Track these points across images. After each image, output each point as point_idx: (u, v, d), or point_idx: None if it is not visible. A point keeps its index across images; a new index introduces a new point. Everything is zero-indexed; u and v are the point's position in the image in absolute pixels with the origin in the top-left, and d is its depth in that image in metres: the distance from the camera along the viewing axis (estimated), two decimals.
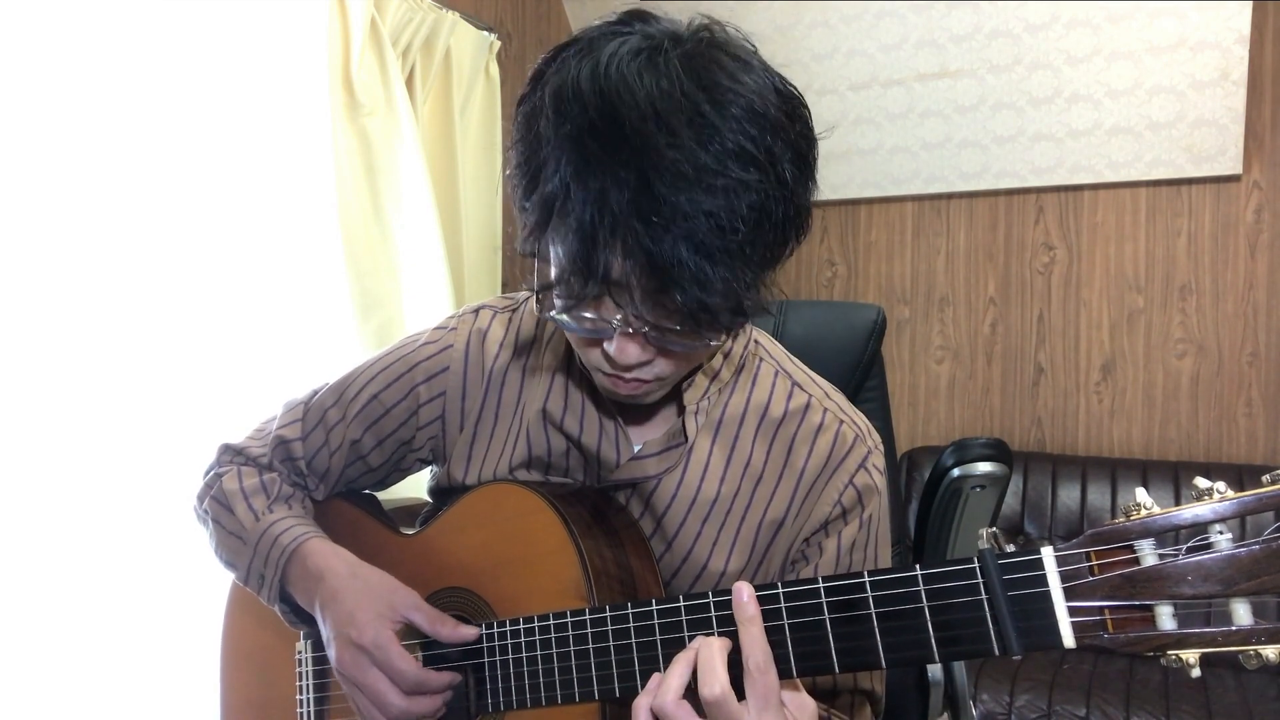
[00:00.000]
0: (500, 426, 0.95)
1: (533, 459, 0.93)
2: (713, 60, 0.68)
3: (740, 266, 0.68)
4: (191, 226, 1.82)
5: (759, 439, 0.91)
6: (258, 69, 1.93)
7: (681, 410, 0.89)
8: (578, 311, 0.72)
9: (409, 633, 0.89)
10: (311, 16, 2.02)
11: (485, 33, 2.57)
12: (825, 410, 0.92)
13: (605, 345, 0.75)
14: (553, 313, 0.74)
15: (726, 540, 0.90)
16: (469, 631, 0.85)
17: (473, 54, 2.52)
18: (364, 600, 0.86)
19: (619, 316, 0.71)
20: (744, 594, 0.70)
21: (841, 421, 0.92)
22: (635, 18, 0.73)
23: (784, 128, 0.69)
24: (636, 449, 0.90)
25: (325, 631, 0.88)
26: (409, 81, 2.30)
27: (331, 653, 0.86)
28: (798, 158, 0.70)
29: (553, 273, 0.71)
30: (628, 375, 0.77)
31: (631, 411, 0.91)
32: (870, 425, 0.95)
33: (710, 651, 0.69)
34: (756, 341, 0.96)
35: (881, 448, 0.94)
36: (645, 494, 0.90)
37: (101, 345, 1.66)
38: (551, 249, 0.71)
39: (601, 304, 0.71)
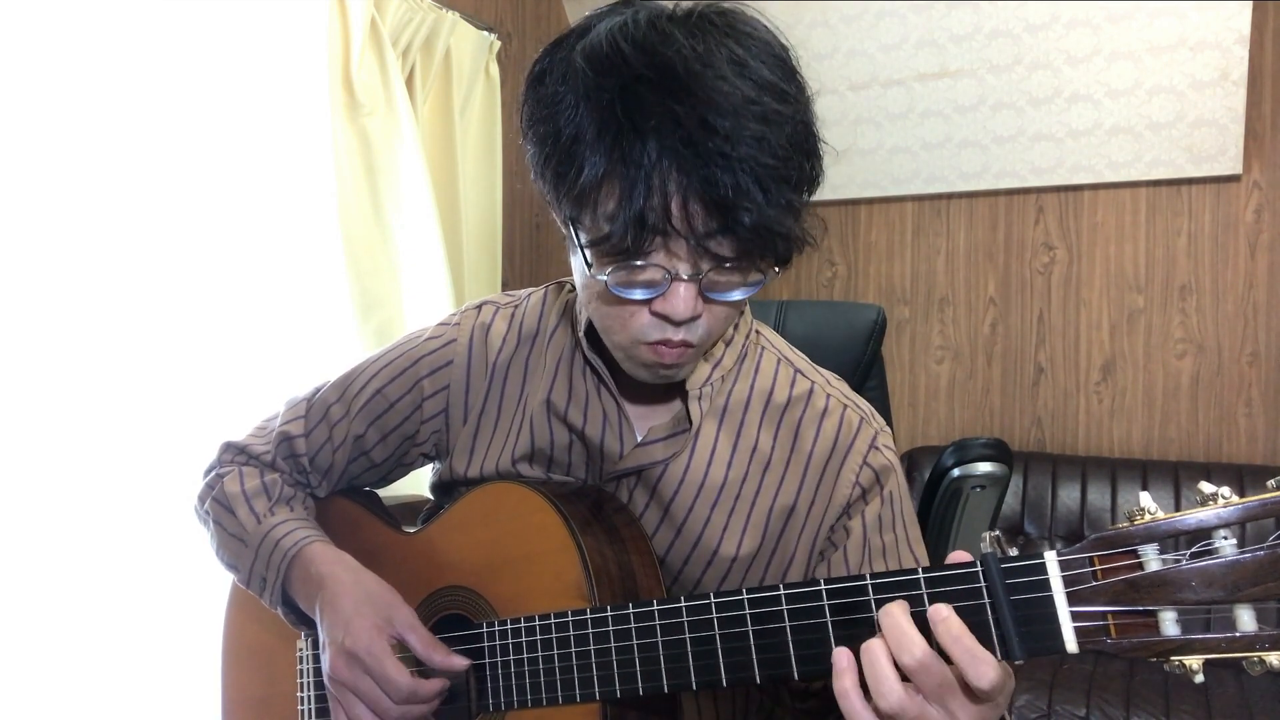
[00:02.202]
0: (503, 419, 0.95)
1: (535, 451, 0.93)
2: (727, 13, 0.74)
3: (789, 191, 0.72)
4: (192, 227, 1.82)
5: (765, 424, 0.91)
6: (258, 69, 1.93)
7: (685, 397, 0.89)
8: (631, 264, 0.73)
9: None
10: (311, 16, 2.02)
11: (485, 33, 2.57)
12: (829, 396, 0.92)
13: (654, 306, 0.75)
14: (605, 274, 0.74)
15: (737, 525, 0.89)
16: (459, 662, 0.85)
17: (473, 54, 2.52)
18: (364, 609, 0.86)
19: (676, 263, 0.72)
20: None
21: (845, 406, 0.92)
22: (627, 4, 0.76)
23: (796, 70, 0.75)
24: (640, 438, 0.91)
25: (321, 636, 0.88)
26: (409, 81, 2.30)
27: (325, 657, 0.86)
28: (809, 98, 0.76)
29: (605, 229, 0.72)
30: (677, 337, 0.77)
31: (635, 401, 0.91)
32: (873, 409, 0.95)
33: (893, 619, 0.63)
34: (757, 332, 0.96)
35: (888, 430, 0.94)
36: (651, 481, 0.90)
37: (103, 345, 1.66)
38: (601, 209, 0.72)
39: (655, 254, 0.72)
